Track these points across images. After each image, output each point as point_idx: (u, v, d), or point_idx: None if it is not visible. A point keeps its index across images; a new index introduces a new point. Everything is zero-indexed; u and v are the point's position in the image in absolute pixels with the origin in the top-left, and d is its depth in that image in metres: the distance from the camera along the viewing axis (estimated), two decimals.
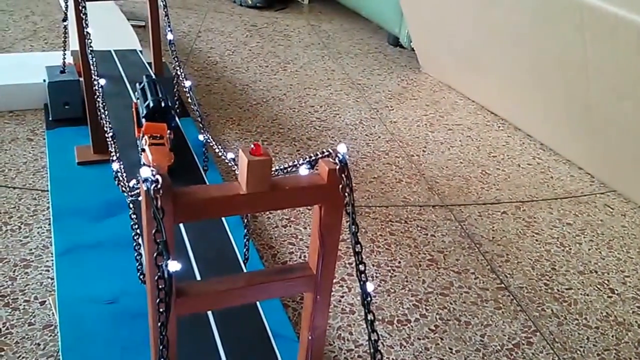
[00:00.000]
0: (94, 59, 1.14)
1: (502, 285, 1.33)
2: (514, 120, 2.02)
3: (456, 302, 1.27)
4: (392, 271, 1.33)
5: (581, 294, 1.32)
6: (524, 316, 1.25)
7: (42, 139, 1.64)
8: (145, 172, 0.54)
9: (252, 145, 0.59)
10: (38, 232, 1.32)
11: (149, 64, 1.64)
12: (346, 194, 0.62)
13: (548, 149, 1.90)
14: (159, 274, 0.56)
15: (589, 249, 1.46)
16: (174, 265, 0.56)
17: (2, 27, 2.33)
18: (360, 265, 0.66)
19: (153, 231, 0.56)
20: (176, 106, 1.43)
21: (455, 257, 1.39)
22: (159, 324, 0.56)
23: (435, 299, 1.27)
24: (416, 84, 2.29)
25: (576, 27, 1.51)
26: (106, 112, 1.03)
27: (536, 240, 1.48)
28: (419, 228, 1.48)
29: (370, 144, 1.83)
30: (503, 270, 1.37)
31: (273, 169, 0.71)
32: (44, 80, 1.65)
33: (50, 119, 1.68)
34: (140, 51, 1.71)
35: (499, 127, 2.02)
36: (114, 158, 1.02)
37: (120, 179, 0.93)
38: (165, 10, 1.24)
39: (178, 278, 0.58)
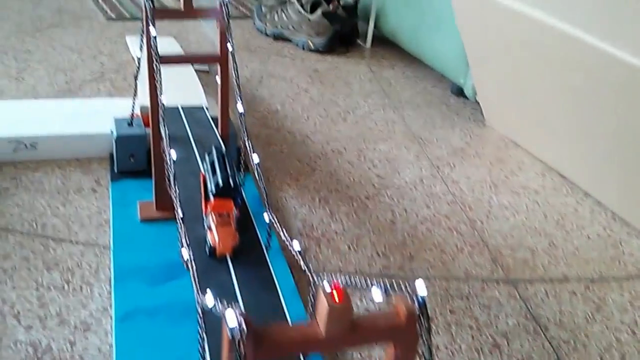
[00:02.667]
0: (166, 130, 1.14)
1: None
2: (584, 185, 1.94)
3: None
4: (451, 355, 1.28)
5: None
6: None
7: (106, 190, 1.67)
8: (231, 319, 0.54)
9: (331, 284, 0.58)
10: (99, 293, 1.33)
11: (214, 119, 1.65)
12: (423, 338, 0.60)
13: (620, 219, 1.81)
14: None
15: None
16: None
17: (71, 67, 2.41)
18: None
19: None
20: (242, 176, 1.43)
21: (519, 343, 1.33)
22: None
23: None
24: (480, 140, 2.23)
25: None
26: (176, 188, 1.03)
27: (606, 326, 1.40)
28: (481, 306, 1.42)
29: (430, 206, 1.79)
30: None
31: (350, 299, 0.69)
32: (112, 132, 1.68)
33: (116, 170, 1.71)
34: (207, 108, 1.73)
35: (567, 191, 1.94)
36: (184, 243, 1.01)
37: (190, 269, 0.92)
38: (237, 81, 1.24)
39: None
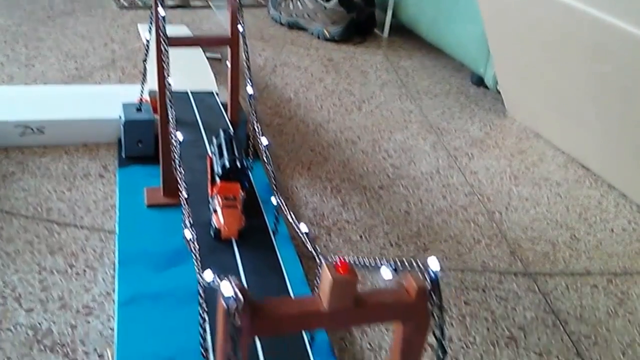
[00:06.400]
0: (173, 112, 1.10)
1: None
2: (608, 177, 1.87)
3: None
4: (466, 347, 1.22)
5: None
6: None
7: (113, 175, 1.63)
8: (226, 289, 0.49)
9: (337, 260, 0.53)
10: (102, 278, 1.30)
11: (224, 105, 1.61)
12: (435, 316, 0.55)
13: None
14: None
15: None
16: None
17: (82, 54, 2.38)
18: None
19: (228, 350, 0.51)
20: (250, 153, 1.39)
21: (537, 336, 1.27)
22: None
23: None
24: (500, 130, 2.16)
25: None
26: (181, 170, 0.99)
27: (629, 321, 1.34)
28: (498, 299, 1.36)
29: (447, 197, 1.73)
30: (590, 355, 1.23)
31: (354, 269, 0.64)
32: (120, 117, 1.65)
33: (123, 156, 1.67)
34: (217, 93, 1.68)
35: (591, 184, 1.87)
36: (187, 224, 0.97)
37: (193, 249, 0.89)
38: (247, 63, 1.20)
39: None
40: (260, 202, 1.21)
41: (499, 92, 2.30)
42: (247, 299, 0.51)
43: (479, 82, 2.48)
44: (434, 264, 0.55)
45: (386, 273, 0.60)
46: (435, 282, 0.55)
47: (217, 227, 1.05)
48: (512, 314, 1.32)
